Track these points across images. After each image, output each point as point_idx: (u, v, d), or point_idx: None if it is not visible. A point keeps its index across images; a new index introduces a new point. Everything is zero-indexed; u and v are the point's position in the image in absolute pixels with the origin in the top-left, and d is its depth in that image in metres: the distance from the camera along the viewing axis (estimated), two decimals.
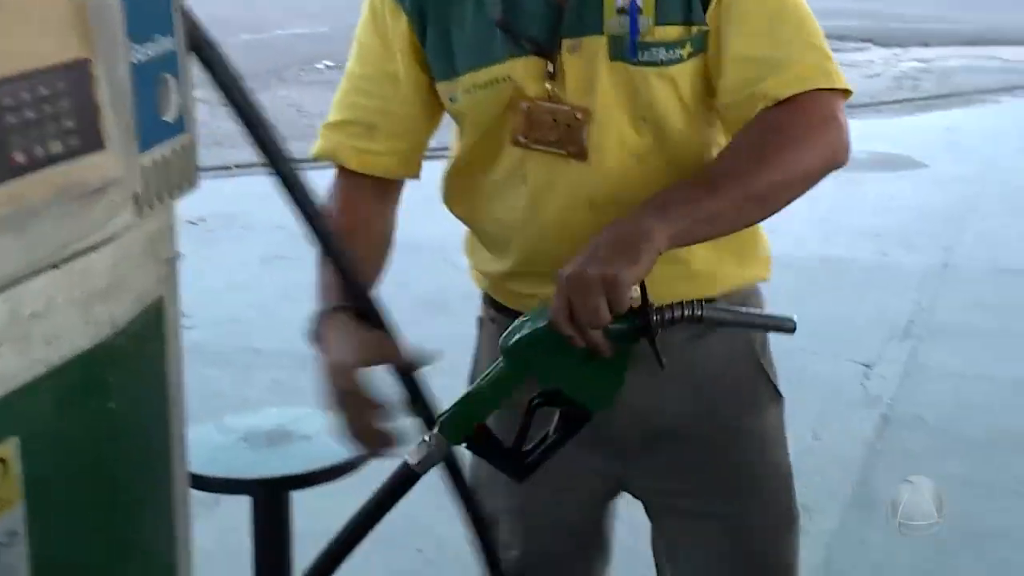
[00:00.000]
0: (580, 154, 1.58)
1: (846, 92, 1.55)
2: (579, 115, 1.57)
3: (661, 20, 1.54)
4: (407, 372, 1.41)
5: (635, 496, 1.79)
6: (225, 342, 4.50)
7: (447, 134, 1.76)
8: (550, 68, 1.57)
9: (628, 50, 1.55)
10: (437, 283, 4.81)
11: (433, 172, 1.76)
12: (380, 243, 1.71)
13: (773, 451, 1.76)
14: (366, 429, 1.44)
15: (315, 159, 1.72)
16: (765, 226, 1.65)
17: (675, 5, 1.54)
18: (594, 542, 1.86)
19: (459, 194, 1.73)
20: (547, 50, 1.57)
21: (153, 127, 0.87)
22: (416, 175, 1.73)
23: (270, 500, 2.00)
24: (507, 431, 1.51)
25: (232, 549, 2.23)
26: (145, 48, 0.86)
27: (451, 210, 1.76)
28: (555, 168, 1.60)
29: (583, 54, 1.56)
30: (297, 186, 1.18)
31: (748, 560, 1.76)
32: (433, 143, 1.75)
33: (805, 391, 3.83)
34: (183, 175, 0.92)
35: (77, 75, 0.79)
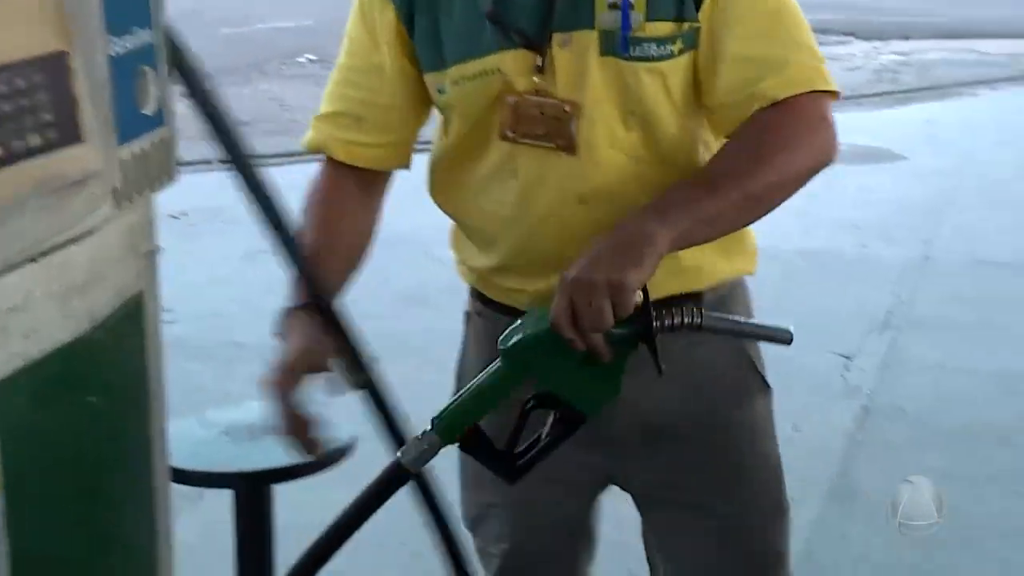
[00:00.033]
0: (569, 148, 1.58)
1: (835, 93, 1.57)
2: (567, 108, 1.56)
3: (652, 16, 1.54)
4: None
5: (625, 490, 1.80)
6: (207, 336, 4.48)
7: (430, 128, 1.76)
8: (539, 62, 1.57)
9: (619, 45, 1.55)
10: (418, 277, 4.79)
11: (414, 166, 1.76)
12: (362, 234, 1.71)
13: (763, 442, 1.77)
14: (294, 431, 1.49)
15: (306, 151, 1.72)
16: None
17: (667, 1, 1.55)
18: (582, 535, 1.86)
19: (446, 188, 1.72)
20: (537, 43, 1.57)
21: (132, 120, 0.87)
22: (406, 166, 1.74)
23: (252, 494, 1.99)
24: (497, 431, 1.50)
25: (216, 543, 2.22)
26: (123, 40, 0.86)
27: (437, 203, 1.75)
28: (546, 162, 1.60)
29: (574, 48, 1.56)
30: (257, 183, 1.19)
31: (740, 550, 1.77)
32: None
33: (785, 382, 3.81)
34: (162, 168, 0.92)
35: (55, 68, 0.79)
